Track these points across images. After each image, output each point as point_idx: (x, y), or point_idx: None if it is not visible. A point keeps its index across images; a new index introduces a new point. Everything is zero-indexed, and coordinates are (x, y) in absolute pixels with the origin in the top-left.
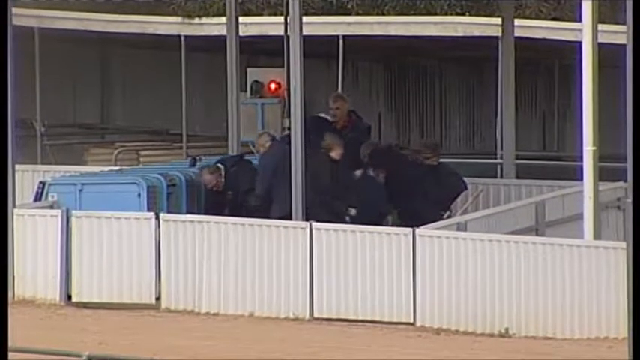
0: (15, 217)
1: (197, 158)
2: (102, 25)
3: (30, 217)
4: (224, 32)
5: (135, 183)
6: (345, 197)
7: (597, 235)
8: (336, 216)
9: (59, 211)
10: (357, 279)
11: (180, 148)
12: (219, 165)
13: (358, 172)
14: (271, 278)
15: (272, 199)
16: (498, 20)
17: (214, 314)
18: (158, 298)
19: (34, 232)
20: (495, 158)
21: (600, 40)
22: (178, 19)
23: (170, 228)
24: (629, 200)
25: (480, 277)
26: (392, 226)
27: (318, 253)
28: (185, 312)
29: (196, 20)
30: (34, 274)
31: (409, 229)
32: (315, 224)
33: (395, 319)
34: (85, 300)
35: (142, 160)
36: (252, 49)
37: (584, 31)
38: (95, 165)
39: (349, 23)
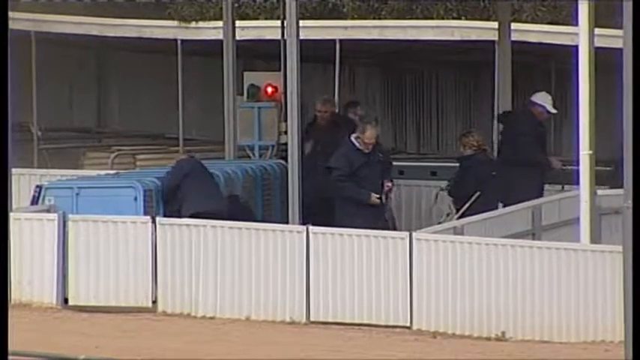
0: (11, 220)
1: None
2: (98, 28)
3: (26, 220)
4: (221, 36)
5: (131, 187)
6: None
7: (594, 240)
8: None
9: (56, 214)
10: (353, 282)
11: (177, 151)
12: None
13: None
14: (268, 282)
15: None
16: (495, 24)
17: (211, 318)
18: (155, 302)
19: (30, 236)
20: None
21: (597, 44)
22: (175, 23)
23: (167, 231)
24: (626, 205)
25: (476, 281)
26: None
27: (315, 257)
28: (182, 315)
29: (193, 24)
30: (30, 278)
31: (406, 233)
32: (312, 228)
33: (392, 323)
34: (81, 303)
35: (138, 163)
36: (249, 52)
37: (581, 35)
38: (92, 169)
39: (346, 27)
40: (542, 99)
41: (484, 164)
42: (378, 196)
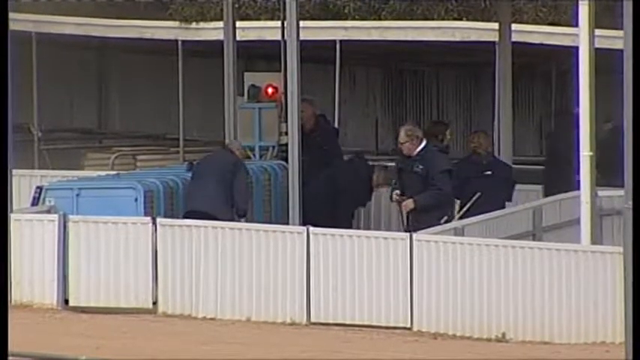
0: (12, 221)
1: (194, 163)
2: (99, 29)
3: (27, 221)
4: (221, 37)
5: (132, 187)
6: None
7: (595, 240)
8: None
9: (56, 215)
10: (354, 284)
11: (178, 152)
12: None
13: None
14: (268, 283)
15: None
16: (495, 25)
17: (211, 319)
18: (155, 303)
19: (31, 237)
20: None
21: (597, 45)
22: (176, 23)
23: (167, 232)
24: (627, 205)
25: (476, 282)
26: None
27: (315, 258)
28: (182, 316)
29: (194, 25)
30: (31, 278)
31: (406, 234)
32: (312, 229)
33: (392, 324)
34: (82, 304)
35: (138, 164)
36: (250, 53)
37: (581, 36)
38: (92, 169)
39: (346, 28)
40: None
41: (471, 165)
42: (398, 193)
